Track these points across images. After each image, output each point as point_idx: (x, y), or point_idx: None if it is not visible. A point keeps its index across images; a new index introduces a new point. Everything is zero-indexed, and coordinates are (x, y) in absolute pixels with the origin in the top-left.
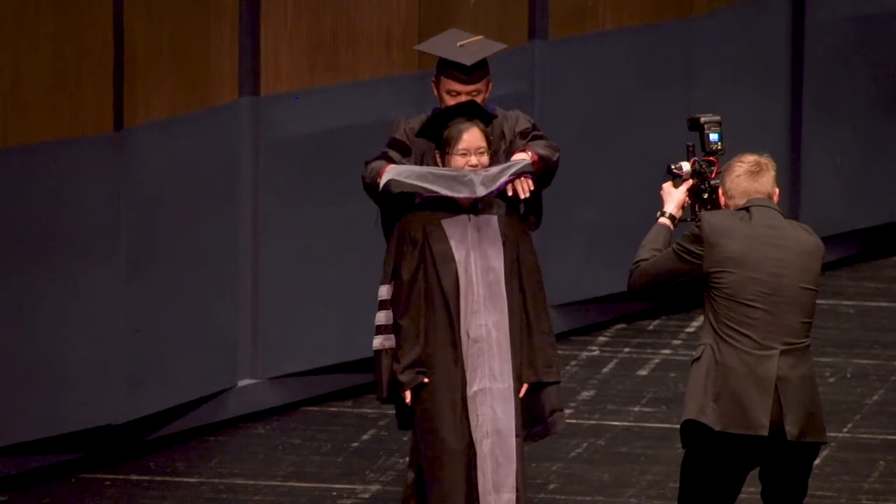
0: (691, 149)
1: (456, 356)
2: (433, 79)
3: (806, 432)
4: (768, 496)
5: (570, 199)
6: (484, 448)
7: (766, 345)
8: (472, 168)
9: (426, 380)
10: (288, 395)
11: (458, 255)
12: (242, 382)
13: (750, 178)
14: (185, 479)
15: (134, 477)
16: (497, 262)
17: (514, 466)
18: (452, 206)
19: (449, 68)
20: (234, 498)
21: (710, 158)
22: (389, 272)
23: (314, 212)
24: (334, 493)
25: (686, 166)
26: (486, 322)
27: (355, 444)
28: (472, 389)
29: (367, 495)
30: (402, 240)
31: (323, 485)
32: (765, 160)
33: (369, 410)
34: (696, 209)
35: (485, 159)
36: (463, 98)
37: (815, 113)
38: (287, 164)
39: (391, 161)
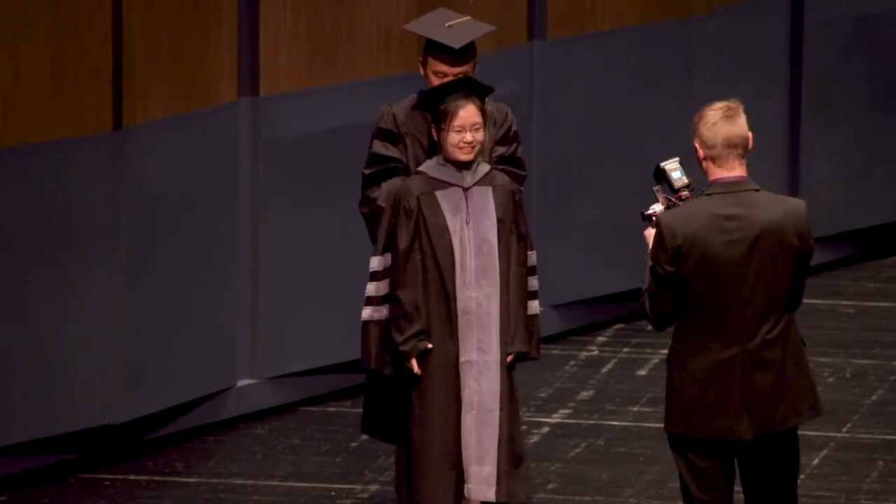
0: (657, 191)
1: (451, 328)
2: (420, 59)
3: (766, 428)
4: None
5: (570, 199)
6: (467, 420)
7: (731, 344)
8: (467, 143)
9: (430, 345)
10: (287, 396)
11: (453, 226)
12: (241, 382)
13: (727, 122)
14: (184, 480)
15: (133, 477)
16: (491, 233)
17: (495, 439)
18: (449, 175)
19: (437, 49)
20: (233, 498)
21: (682, 195)
22: (382, 244)
23: (313, 212)
24: (333, 494)
25: (658, 207)
26: (476, 294)
27: (354, 445)
28: (459, 361)
29: (365, 495)
30: (396, 210)
31: (322, 485)
32: (734, 103)
33: None
34: None
35: (480, 135)
36: (450, 79)
37: (815, 113)
38: (286, 165)
39: (385, 159)
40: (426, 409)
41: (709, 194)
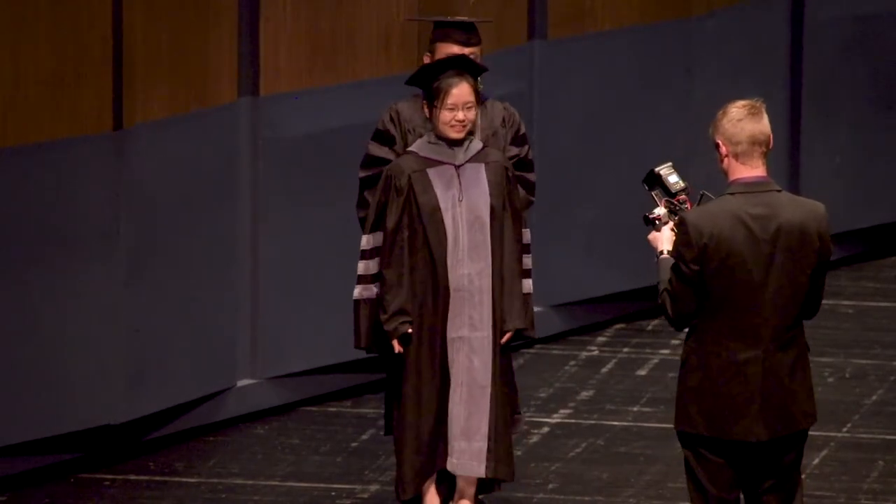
0: (657, 196)
1: (439, 306)
2: (427, 52)
3: (781, 429)
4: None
5: (570, 199)
6: (457, 396)
7: (751, 345)
8: (458, 122)
9: (410, 329)
10: (287, 396)
11: (444, 204)
12: (241, 382)
13: (752, 119)
14: (184, 479)
15: (133, 477)
16: (484, 210)
17: (486, 416)
18: (440, 153)
19: (447, 30)
20: (233, 498)
21: (680, 198)
22: (370, 222)
23: (314, 212)
24: (333, 494)
25: (659, 210)
26: (468, 271)
27: (354, 445)
28: (449, 337)
29: (366, 495)
30: (387, 189)
31: (322, 485)
32: (757, 102)
33: (368, 410)
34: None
35: (471, 114)
36: None
37: (815, 113)
38: (286, 165)
39: (378, 161)
40: (412, 384)
41: (732, 194)
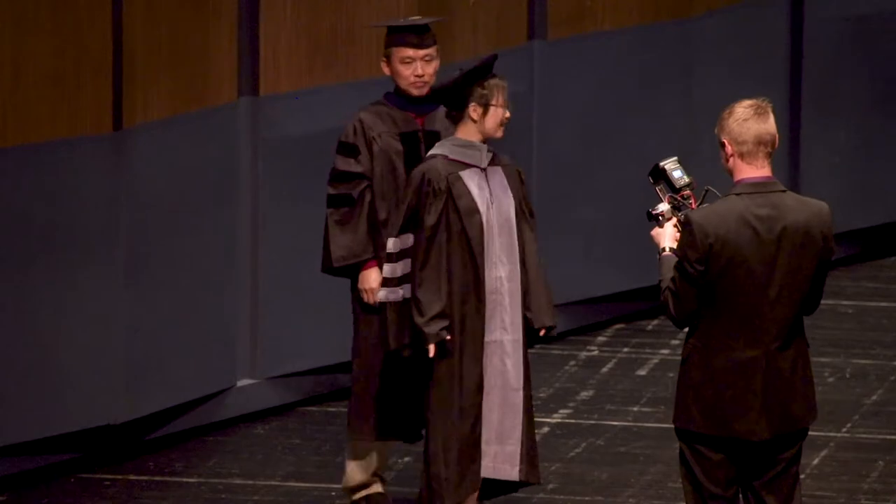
0: (661, 191)
1: (479, 307)
2: (383, 58)
3: (783, 428)
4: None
5: (569, 198)
6: (491, 399)
7: (754, 345)
8: (507, 119)
9: (448, 336)
10: (287, 396)
11: (481, 206)
12: (241, 382)
13: (759, 119)
14: (184, 479)
15: (133, 477)
16: (512, 212)
17: (519, 419)
18: (469, 156)
19: (401, 34)
20: (233, 498)
21: (685, 193)
22: (399, 225)
23: (313, 212)
24: (333, 493)
25: (663, 206)
26: (501, 274)
27: None
28: (485, 340)
29: None
30: (420, 192)
31: (322, 485)
32: (763, 102)
33: None
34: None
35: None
36: (418, 65)
37: (815, 113)
38: (286, 165)
39: (345, 175)
40: (454, 389)
41: (738, 194)
